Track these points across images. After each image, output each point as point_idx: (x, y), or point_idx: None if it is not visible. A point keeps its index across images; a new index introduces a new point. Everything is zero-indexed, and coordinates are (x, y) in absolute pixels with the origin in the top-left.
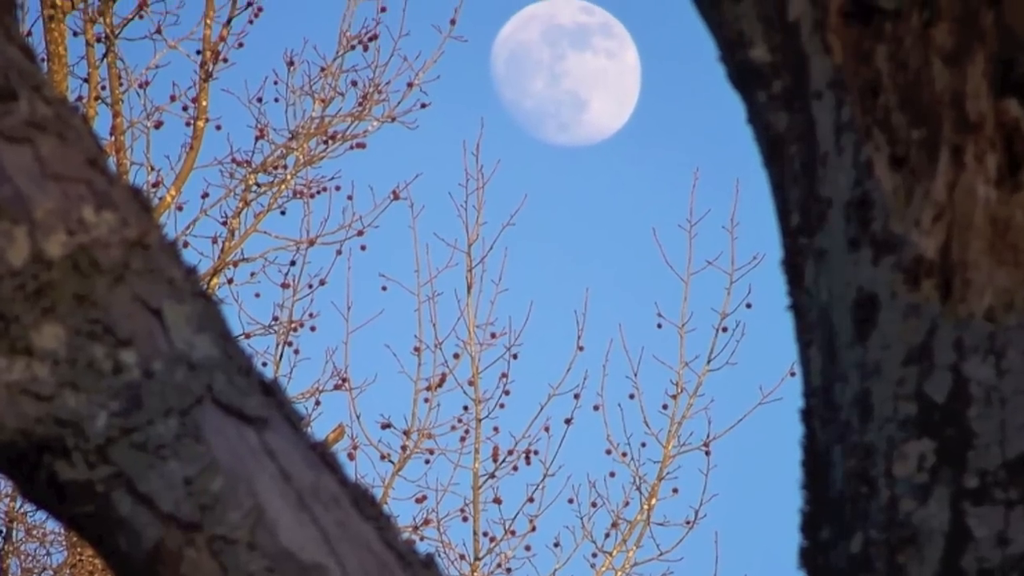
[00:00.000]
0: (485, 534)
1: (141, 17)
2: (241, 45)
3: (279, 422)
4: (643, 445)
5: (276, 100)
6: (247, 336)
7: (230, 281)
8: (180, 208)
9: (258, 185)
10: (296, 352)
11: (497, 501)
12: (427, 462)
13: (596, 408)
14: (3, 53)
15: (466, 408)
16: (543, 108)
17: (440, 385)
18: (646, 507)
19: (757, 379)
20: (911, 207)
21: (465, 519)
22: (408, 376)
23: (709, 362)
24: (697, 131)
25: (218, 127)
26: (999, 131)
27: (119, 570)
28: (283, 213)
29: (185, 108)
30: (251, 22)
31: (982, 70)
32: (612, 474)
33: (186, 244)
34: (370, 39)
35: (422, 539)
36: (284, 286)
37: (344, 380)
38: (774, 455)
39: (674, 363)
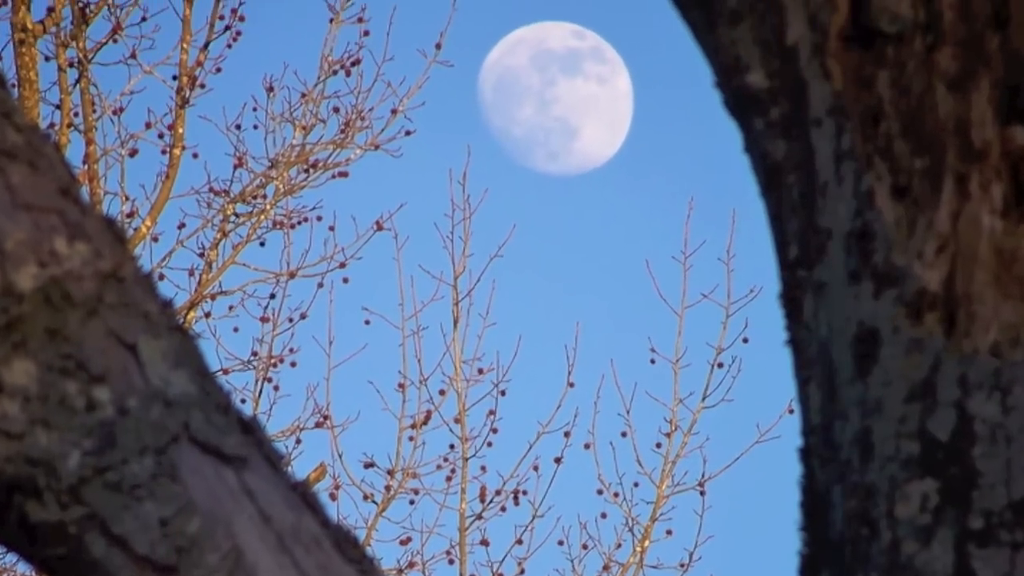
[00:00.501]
0: None
1: (115, 41)
2: (219, 70)
3: (258, 461)
4: (636, 485)
5: (255, 127)
6: (225, 372)
7: (207, 315)
8: (156, 239)
9: (236, 215)
10: (276, 388)
11: (484, 543)
12: (412, 503)
13: (587, 446)
14: None
15: (452, 447)
16: (532, 136)
17: (425, 423)
18: (639, 549)
19: (754, 416)
20: (914, 238)
21: (451, 562)
22: (392, 413)
23: (704, 399)
24: (692, 159)
25: (195, 155)
26: (1005, 159)
27: None
28: (262, 244)
29: (161, 135)
30: (229, 46)
31: (987, 96)
32: (604, 515)
33: (162, 276)
34: (353, 64)
35: None
36: (263, 320)
37: (326, 417)
38: (772, 495)
39: (668, 400)
